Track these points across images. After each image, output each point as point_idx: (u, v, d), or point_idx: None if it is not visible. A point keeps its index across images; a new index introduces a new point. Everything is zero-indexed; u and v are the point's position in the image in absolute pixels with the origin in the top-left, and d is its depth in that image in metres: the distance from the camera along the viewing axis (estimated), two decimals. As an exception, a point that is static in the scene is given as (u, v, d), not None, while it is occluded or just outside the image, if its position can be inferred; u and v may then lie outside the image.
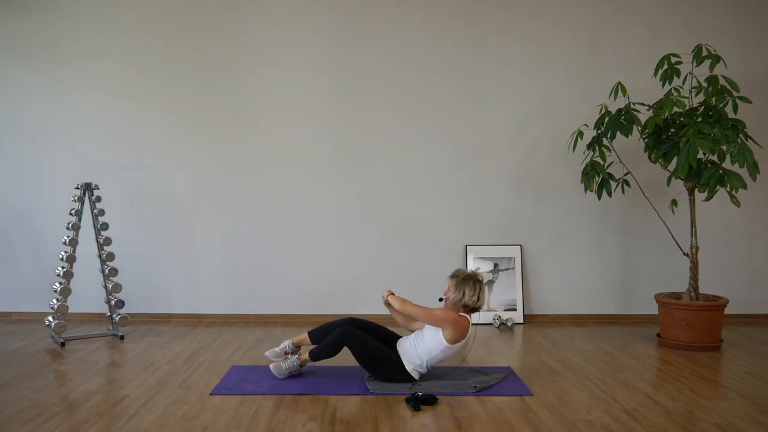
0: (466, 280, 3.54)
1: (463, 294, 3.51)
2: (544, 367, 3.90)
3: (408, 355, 3.53)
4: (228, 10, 5.15)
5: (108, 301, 4.69)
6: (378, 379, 3.55)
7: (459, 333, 3.48)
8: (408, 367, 3.51)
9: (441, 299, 3.66)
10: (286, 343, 3.76)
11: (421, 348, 3.51)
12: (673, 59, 4.41)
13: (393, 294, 3.67)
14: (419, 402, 3.18)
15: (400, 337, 3.72)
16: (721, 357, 4.17)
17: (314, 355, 3.58)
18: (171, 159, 5.19)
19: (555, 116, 5.21)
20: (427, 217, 5.24)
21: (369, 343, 3.50)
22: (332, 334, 3.55)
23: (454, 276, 3.59)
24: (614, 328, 4.99)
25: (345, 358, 3.58)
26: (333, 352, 3.55)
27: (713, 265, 5.11)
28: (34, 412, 3.08)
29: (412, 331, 3.70)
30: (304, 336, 3.77)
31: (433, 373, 3.62)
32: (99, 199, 4.71)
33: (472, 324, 3.60)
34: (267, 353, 3.74)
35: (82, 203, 4.65)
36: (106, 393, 3.38)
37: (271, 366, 3.61)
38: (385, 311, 3.77)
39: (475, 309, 3.57)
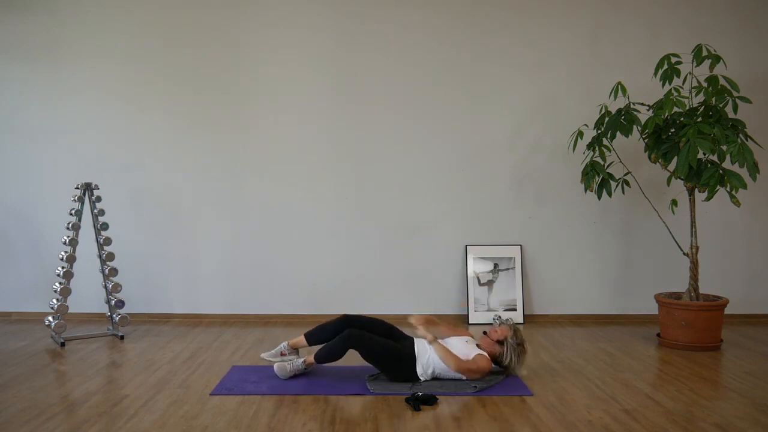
0: (520, 348, 3.62)
1: (510, 359, 3.60)
2: (544, 367, 3.90)
3: (424, 360, 3.52)
4: (228, 10, 5.15)
5: (108, 301, 4.69)
6: (384, 375, 3.55)
7: (478, 375, 3.54)
8: (419, 370, 3.52)
9: (485, 333, 3.71)
10: (283, 345, 3.77)
11: (437, 362, 3.52)
12: (673, 59, 4.41)
13: (436, 339, 3.58)
14: (419, 402, 3.18)
15: (396, 328, 3.76)
16: (721, 357, 4.16)
17: (320, 359, 3.57)
18: (171, 159, 5.19)
19: (555, 116, 5.20)
20: (427, 217, 5.24)
21: (376, 342, 3.50)
22: (338, 337, 3.54)
23: (515, 334, 3.64)
24: (614, 328, 4.99)
25: (345, 358, 3.57)
26: (339, 354, 3.54)
27: (713, 265, 5.12)
28: (34, 412, 3.09)
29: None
30: (300, 338, 3.77)
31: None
32: (99, 199, 4.71)
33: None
34: (263, 355, 3.76)
35: (82, 203, 4.65)
36: (106, 393, 3.38)
37: (276, 366, 3.61)
38: (384, 311, 3.76)
39: (503, 367, 3.65)
